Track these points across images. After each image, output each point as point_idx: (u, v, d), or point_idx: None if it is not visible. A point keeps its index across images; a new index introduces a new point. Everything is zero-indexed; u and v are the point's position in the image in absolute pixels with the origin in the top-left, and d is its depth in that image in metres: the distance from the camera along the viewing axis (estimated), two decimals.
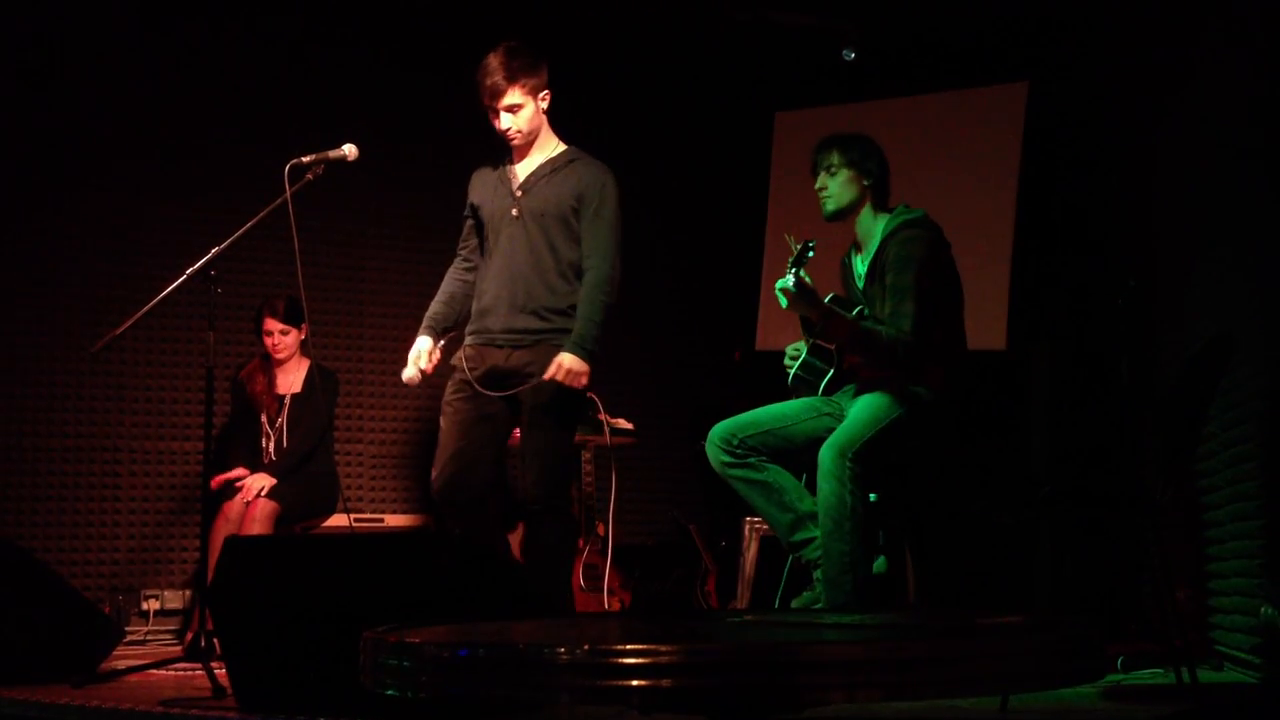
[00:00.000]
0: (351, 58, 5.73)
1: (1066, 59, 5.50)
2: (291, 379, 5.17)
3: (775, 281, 3.61)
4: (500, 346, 3.90)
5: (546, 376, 3.81)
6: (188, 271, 3.85)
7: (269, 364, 5.17)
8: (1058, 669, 1.79)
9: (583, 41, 6.06)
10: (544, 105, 3.93)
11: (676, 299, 6.22)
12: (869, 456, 3.49)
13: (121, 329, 3.97)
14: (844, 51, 6.09)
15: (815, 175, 3.79)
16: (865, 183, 3.73)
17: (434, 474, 3.91)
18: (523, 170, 3.97)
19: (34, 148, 5.32)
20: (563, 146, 4.01)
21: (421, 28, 5.77)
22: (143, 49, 5.46)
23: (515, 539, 5.36)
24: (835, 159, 3.72)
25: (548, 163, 3.97)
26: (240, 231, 3.85)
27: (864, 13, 5.99)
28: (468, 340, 3.98)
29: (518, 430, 4.00)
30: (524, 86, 3.86)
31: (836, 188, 3.73)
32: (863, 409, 3.59)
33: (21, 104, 5.29)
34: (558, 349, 3.84)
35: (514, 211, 3.92)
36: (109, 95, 5.41)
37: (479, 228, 4.05)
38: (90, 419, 5.33)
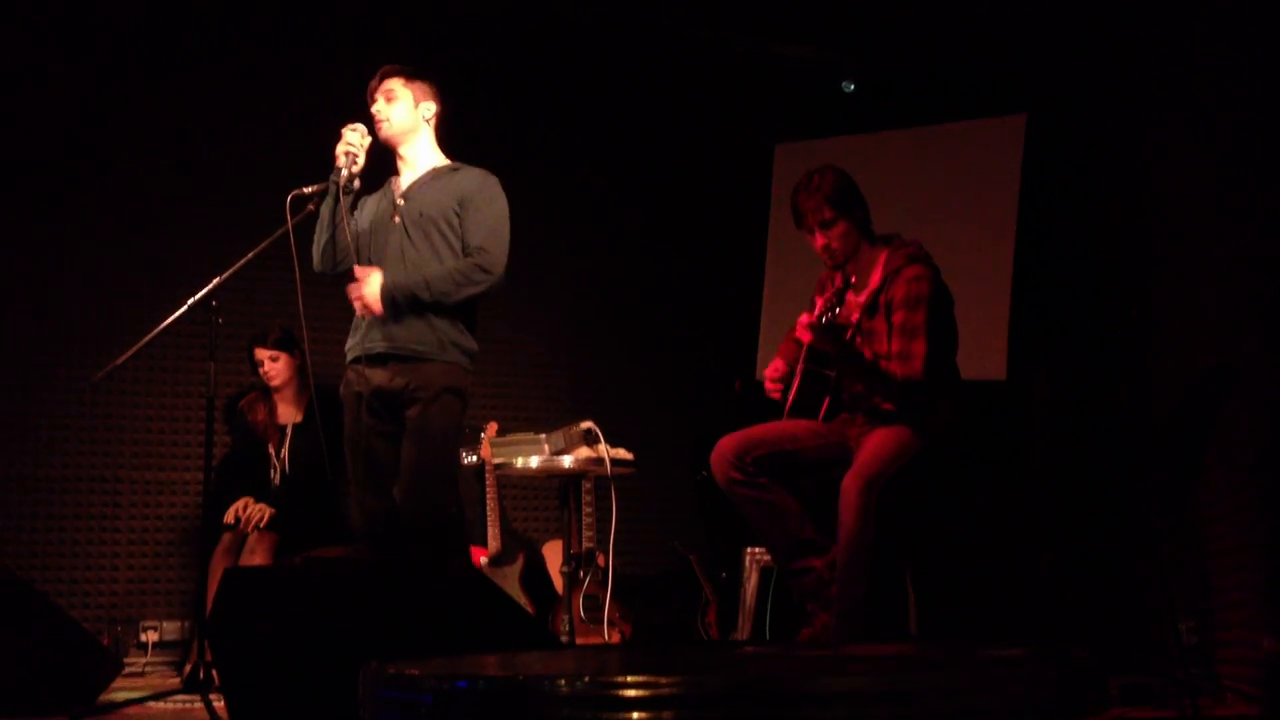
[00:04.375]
0: (353, 88, 5.75)
1: (1065, 91, 5.52)
2: (292, 409, 5.18)
3: (800, 316, 3.60)
4: (383, 364, 3.76)
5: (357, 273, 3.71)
6: (189, 302, 3.85)
7: (269, 395, 5.17)
8: (1060, 702, 1.78)
9: (583, 74, 6.10)
10: (426, 117, 3.94)
11: (677, 328, 6.22)
12: (892, 489, 3.49)
13: (122, 359, 3.97)
14: (843, 84, 6.13)
15: (804, 228, 3.75)
16: (858, 226, 3.73)
17: (354, 514, 3.80)
18: (406, 181, 3.94)
19: (34, 177, 5.34)
20: (448, 161, 3.98)
21: (424, 62, 5.79)
22: (142, 79, 5.49)
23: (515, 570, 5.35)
24: (828, 214, 3.68)
25: (430, 171, 3.93)
26: (241, 262, 3.85)
27: (863, 45, 6.03)
28: (349, 361, 3.86)
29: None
30: (407, 81, 3.92)
31: (840, 241, 3.70)
32: (885, 443, 3.59)
33: (21, 132, 5.32)
34: (448, 365, 3.76)
35: (395, 218, 3.85)
36: (109, 124, 5.43)
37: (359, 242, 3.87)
38: (90, 449, 5.33)
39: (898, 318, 3.61)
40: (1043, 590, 5.02)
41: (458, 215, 3.82)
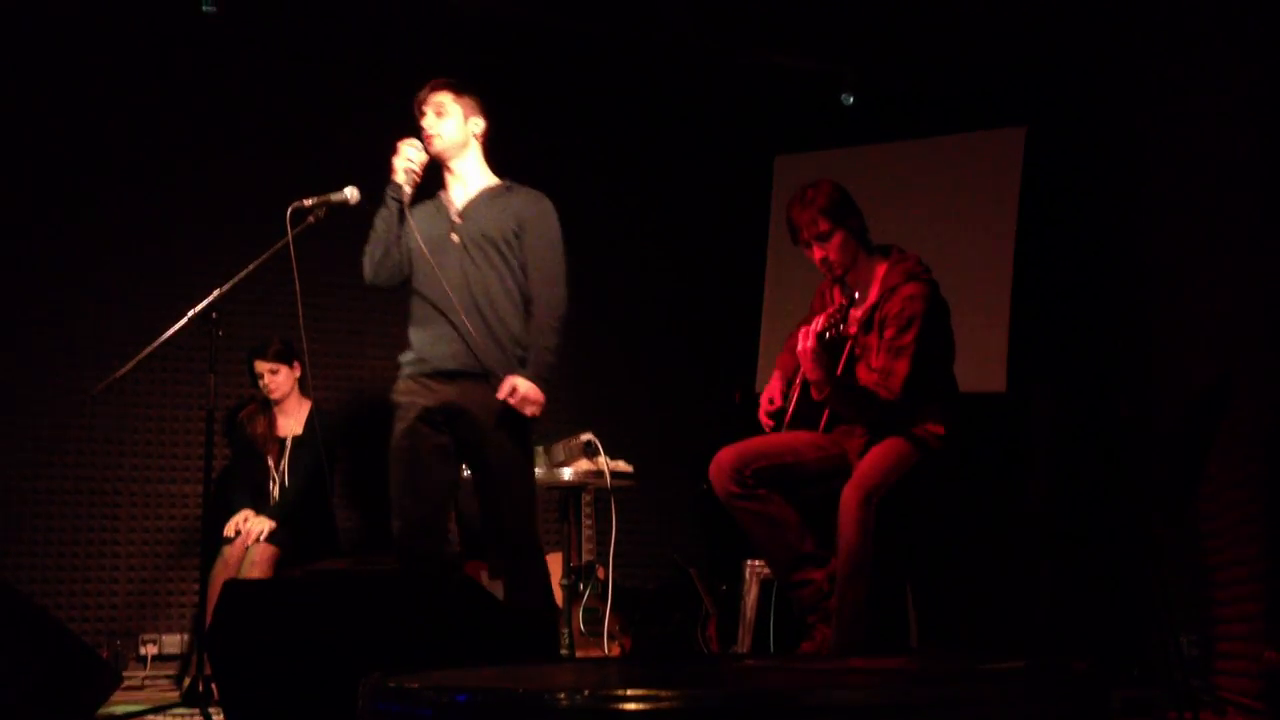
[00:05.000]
0: (355, 100, 5.77)
1: (1064, 103, 5.53)
2: (292, 421, 5.18)
3: (803, 329, 3.58)
4: (450, 380, 3.78)
5: (500, 396, 3.69)
6: (189, 314, 3.85)
7: (269, 407, 5.17)
8: (1061, 714, 1.78)
9: (583, 85, 6.11)
10: (475, 132, 3.94)
11: (676, 340, 6.23)
12: (891, 501, 3.49)
13: (122, 371, 3.97)
14: (843, 96, 6.15)
15: (799, 243, 3.74)
16: (856, 236, 3.73)
17: (395, 523, 3.78)
18: (459, 198, 3.92)
19: (35, 187, 5.34)
20: (498, 180, 3.98)
21: (426, 74, 5.80)
22: (145, 89, 5.50)
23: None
24: (824, 226, 3.66)
25: (485, 190, 3.92)
26: (242, 274, 3.86)
27: (863, 57, 6.04)
28: (409, 373, 3.86)
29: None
30: (456, 96, 3.90)
31: (838, 253, 3.69)
32: (884, 455, 3.59)
33: (23, 142, 5.33)
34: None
35: (454, 237, 3.85)
36: (110, 137, 5.44)
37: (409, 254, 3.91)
38: (90, 461, 5.33)
39: (887, 334, 3.61)
40: (1043, 602, 5.01)
41: (516, 237, 3.85)
